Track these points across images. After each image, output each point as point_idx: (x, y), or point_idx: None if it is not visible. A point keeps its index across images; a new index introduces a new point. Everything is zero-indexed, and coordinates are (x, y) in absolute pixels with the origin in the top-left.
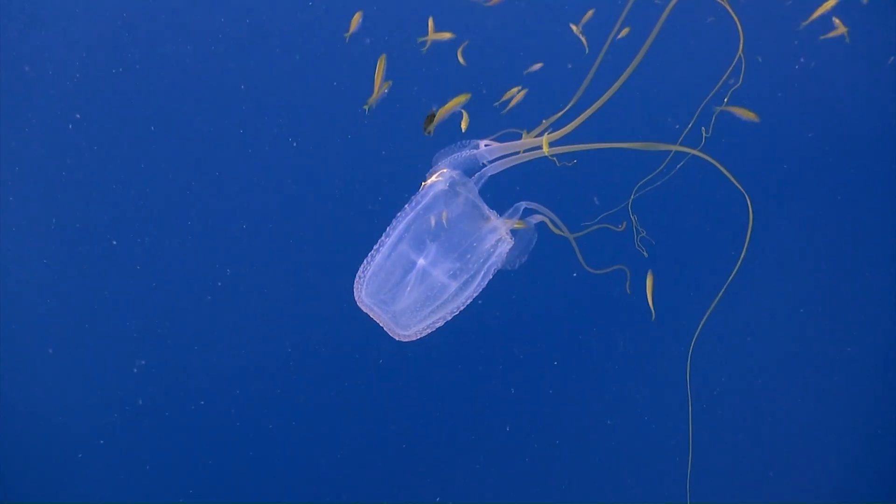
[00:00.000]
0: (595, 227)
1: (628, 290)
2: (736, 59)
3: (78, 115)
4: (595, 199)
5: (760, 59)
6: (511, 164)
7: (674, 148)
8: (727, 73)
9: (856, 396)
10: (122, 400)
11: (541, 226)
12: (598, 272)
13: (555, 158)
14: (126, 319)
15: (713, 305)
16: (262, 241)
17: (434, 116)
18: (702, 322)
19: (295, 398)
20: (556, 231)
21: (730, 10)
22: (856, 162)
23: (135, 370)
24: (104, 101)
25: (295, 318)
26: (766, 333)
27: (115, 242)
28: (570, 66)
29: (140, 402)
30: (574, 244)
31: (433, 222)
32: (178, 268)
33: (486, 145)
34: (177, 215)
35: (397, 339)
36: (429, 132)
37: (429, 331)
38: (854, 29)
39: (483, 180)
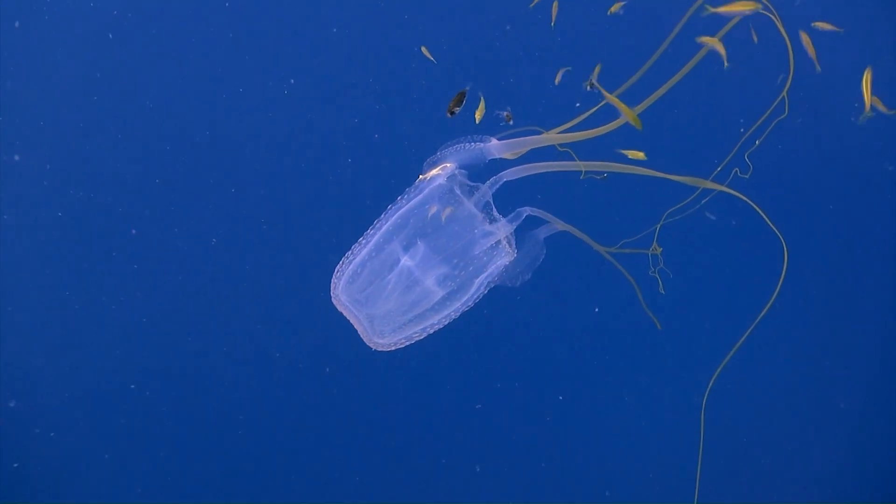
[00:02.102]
0: (628, 249)
1: (659, 326)
2: (781, 97)
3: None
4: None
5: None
6: (532, 172)
7: (711, 185)
8: (774, 105)
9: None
10: (109, 399)
11: (549, 241)
12: (644, 297)
13: (581, 165)
14: (109, 317)
15: (737, 346)
16: (248, 229)
17: (463, 97)
18: (721, 365)
19: (270, 396)
20: (579, 235)
21: (786, 38)
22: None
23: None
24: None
25: (270, 310)
26: (785, 380)
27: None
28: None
29: (124, 405)
30: (610, 258)
31: (430, 216)
32: (166, 262)
33: (498, 142)
34: (164, 213)
35: (372, 346)
36: (452, 113)
37: (406, 343)
38: None
39: (498, 185)
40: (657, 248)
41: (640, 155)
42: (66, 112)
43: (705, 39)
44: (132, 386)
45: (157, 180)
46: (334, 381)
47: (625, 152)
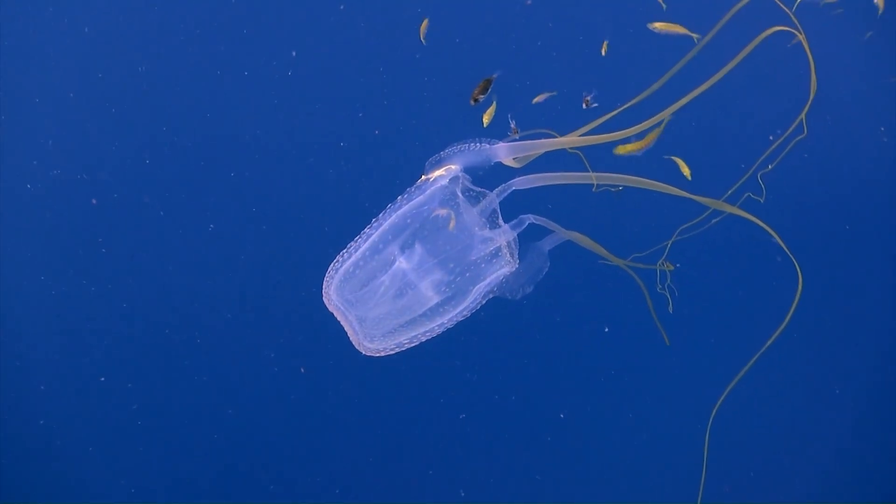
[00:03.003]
0: (641, 264)
1: (668, 341)
2: (799, 120)
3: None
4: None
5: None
6: (543, 182)
7: (725, 207)
8: (792, 127)
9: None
10: (89, 393)
11: (553, 253)
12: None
13: (594, 177)
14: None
15: (746, 368)
16: (242, 222)
17: (489, 85)
18: (727, 389)
19: (256, 393)
20: (589, 243)
21: (810, 58)
22: None
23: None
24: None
25: (260, 305)
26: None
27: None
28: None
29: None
30: (627, 268)
31: (430, 219)
32: (164, 264)
33: (506, 145)
34: (155, 205)
35: (361, 351)
36: (476, 101)
37: (396, 350)
38: None
39: (506, 193)
40: (669, 264)
41: (686, 171)
42: (57, 93)
43: (658, 25)
44: (102, 378)
45: (147, 160)
46: (323, 384)
47: (674, 159)
